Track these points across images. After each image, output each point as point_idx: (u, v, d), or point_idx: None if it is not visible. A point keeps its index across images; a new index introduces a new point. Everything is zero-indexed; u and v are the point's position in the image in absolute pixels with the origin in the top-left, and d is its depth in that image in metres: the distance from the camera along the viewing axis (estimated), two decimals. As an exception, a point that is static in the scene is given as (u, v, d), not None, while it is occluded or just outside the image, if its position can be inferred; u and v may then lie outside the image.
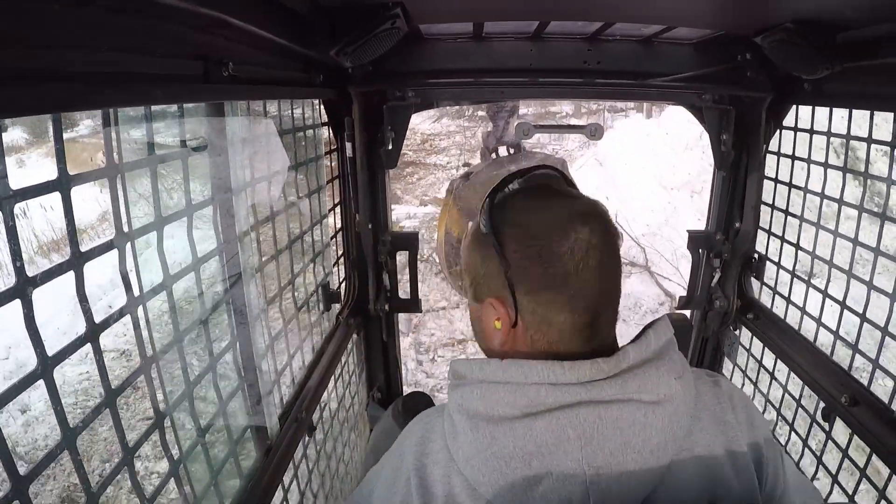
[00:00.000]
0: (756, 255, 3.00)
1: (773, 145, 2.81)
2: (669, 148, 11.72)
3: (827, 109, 2.40)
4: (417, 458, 1.23)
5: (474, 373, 1.20)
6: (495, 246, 1.22)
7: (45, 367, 1.01)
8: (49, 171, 1.00)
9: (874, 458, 2.11)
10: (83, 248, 1.09)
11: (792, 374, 2.65)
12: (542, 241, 1.18)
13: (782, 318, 2.79)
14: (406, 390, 3.25)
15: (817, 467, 2.50)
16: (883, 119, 2.11)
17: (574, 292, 1.17)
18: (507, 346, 1.25)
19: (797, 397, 2.65)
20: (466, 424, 1.17)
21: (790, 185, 2.76)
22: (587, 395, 1.11)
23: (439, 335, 8.45)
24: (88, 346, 1.17)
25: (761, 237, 2.98)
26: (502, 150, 4.70)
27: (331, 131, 2.87)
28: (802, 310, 2.66)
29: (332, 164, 2.94)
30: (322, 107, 2.77)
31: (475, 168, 5.01)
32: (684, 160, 11.98)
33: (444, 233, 5.10)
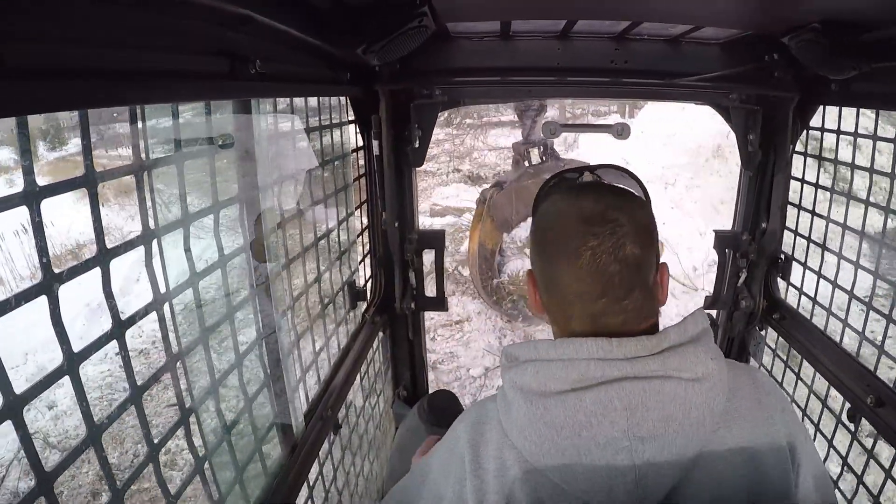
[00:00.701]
0: (782, 256, 2.98)
1: (799, 146, 2.79)
2: (644, 144, 11.93)
3: (854, 110, 2.37)
4: (472, 437, 1.33)
5: (528, 353, 1.29)
6: (532, 229, 1.40)
7: (72, 363, 1.01)
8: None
9: None
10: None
11: (817, 375, 2.62)
12: (550, 235, 1.32)
13: (808, 318, 2.77)
14: (432, 388, 3.26)
15: (842, 468, 2.48)
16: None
17: (579, 280, 1.26)
18: (541, 310, 1.40)
19: (823, 398, 2.63)
20: (520, 399, 1.26)
21: (817, 185, 2.73)
22: (632, 370, 1.20)
23: (437, 318, 8.69)
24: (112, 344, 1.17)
25: (787, 238, 2.96)
26: (534, 157, 4.69)
27: (358, 129, 2.87)
28: (828, 310, 2.64)
29: (359, 161, 2.94)
30: (349, 104, 2.77)
31: (506, 177, 5.00)
32: (658, 155, 12.30)
33: (478, 245, 5.08)
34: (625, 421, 1.19)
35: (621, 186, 1.50)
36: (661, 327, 1.31)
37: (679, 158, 12.40)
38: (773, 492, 1.26)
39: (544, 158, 5.60)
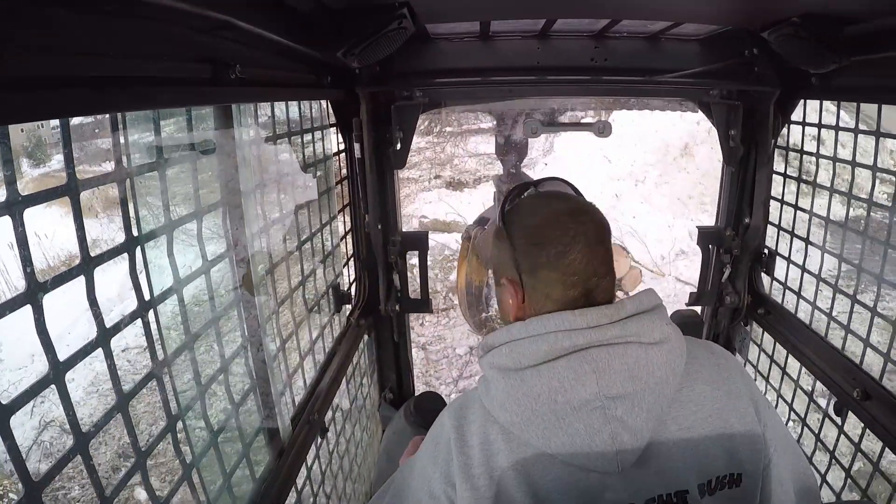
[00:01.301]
0: (766, 251, 2.99)
1: (781, 140, 2.80)
2: (617, 144, 12.23)
3: (835, 103, 2.39)
4: (456, 420, 1.43)
5: (502, 337, 1.41)
6: (507, 237, 1.49)
7: (58, 372, 1.01)
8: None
9: (887, 451, 2.11)
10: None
11: (804, 369, 2.64)
12: (540, 231, 1.44)
13: (793, 313, 2.78)
14: (418, 390, 3.25)
15: (830, 461, 2.50)
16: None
17: (563, 270, 1.40)
18: (520, 316, 1.47)
19: (809, 392, 2.65)
20: (498, 376, 1.37)
21: (799, 179, 2.75)
22: (595, 337, 1.32)
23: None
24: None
25: (771, 232, 2.97)
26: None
27: (339, 132, 2.87)
28: (813, 304, 2.66)
29: (341, 165, 2.94)
30: (330, 108, 2.77)
31: (488, 213, 5.02)
32: (629, 154, 12.79)
33: (466, 282, 5.10)
34: (595, 383, 1.29)
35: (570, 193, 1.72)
36: None
37: (648, 157, 12.99)
38: (742, 441, 1.38)
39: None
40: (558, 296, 1.41)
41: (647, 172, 13.07)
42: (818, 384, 2.52)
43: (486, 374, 1.42)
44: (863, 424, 2.22)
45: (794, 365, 2.74)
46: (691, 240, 12.29)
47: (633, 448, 1.30)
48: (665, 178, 13.07)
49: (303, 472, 2.21)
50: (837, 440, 2.45)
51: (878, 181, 2.24)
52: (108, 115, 1.22)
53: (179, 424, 1.48)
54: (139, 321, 1.31)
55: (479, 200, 12.31)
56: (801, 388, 2.73)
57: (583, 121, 3.08)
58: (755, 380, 2.99)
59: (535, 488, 1.32)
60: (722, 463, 1.36)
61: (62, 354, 1.02)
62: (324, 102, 2.71)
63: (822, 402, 2.53)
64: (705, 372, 1.42)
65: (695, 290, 3.22)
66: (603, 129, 3.06)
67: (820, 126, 2.54)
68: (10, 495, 6.41)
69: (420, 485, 1.48)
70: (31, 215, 0.95)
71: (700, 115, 2.96)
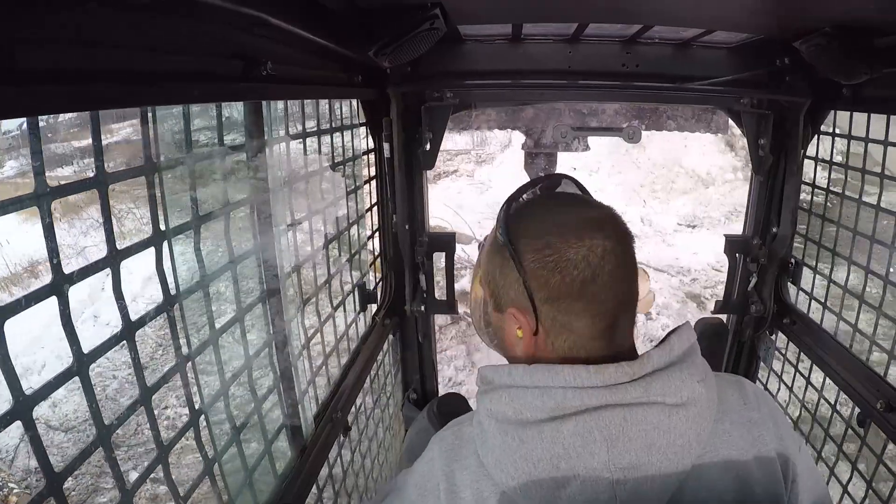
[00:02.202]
0: (793, 260, 2.97)
1: (810, 150, 2.78)
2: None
3: (865, 115, 2.37)
4: (447, 463, 1.26)
5: (502, 378, 1.22)
6: (512, 256, 1.25)
7: (81, 364, 1.01)
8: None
9: None
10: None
11: (827, 380, 2.62)
12: (558, 249, 1.20)
13: (818, 323, 2.76)
14: (441, 391, 3.25)
15: (852, 473, 2.49)
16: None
17: (591, 298, 1.19)
18: (530, 352, 1.28)
19: (833, 403, 2.63)
20: (495, 429, 1.20)
21: (828, 190, 2.73)
22: (612, 398, 1.14)
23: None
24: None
25: (798, 242, 2.95)
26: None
27: (368, 131, 2.87)
28: (839, 315, 2.63)
29: (370, 164, 2.94)
30: (360, 107, 2.78)
31: None
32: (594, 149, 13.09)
33: (481, 293, 5.11)
34: (605, 452, 1.13)
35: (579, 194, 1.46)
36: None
37: (601, 149, 13.48)
38: None
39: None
40: (582, 328, 1.21)
41: (601, 163, 13.96)
42: (842, 395, 2.50)
43: (481, 420, 1.25)
44: (885, 436, 2.20)
45: (818, 375, 2.71)
46: (643, 224, 12.80)
47: None
48: (618, 168, 14.03)
49: (325, 470, 2.21)
50: (860, 451, 2.43)
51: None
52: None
53: (202, 420, 1.49)
54: (164, 315, 1.32)
55: (440, 197, 12.85)
56: (825, 399, 2.71)
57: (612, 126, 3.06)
58: (777, 389, 2.97)
59: None
60: None
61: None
62: (354, 101, 2.71)
63: (846, 414, 2.50)
64: (735, 433, 1.23)
65: (720, 299, 3.20)
66: (633, 135, 3.05)
67: (850, 137, 2.52)
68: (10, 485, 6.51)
69: None
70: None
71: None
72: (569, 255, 1.18)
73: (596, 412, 1.14)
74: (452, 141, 15.30)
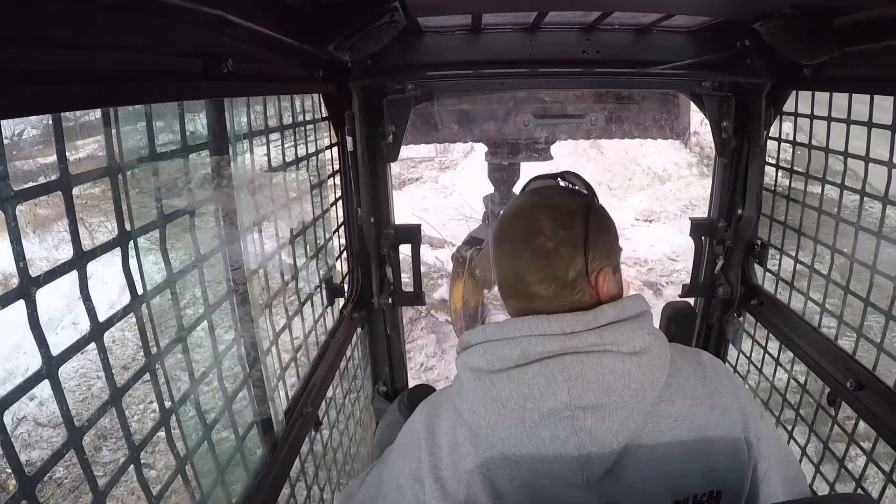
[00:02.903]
0: (759, 242, 3.00)
1: (773, 132, 2.81)
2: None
3: (827, 94, 2.39)
4: (427, 418, 1.44)
5: (478, 336, 1.38)
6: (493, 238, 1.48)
7: (50, 366, 1.01)
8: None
9: (880, 441, 2.11)
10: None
11: (797, 360, 2.65)
12: (505, 225, 1.45)
13: (786, 304, 2.80)
14: (411, 383, 3.26)
15: (823, 452, 2.51)
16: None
17: (526, 263, 1.37)
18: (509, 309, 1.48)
19: (802, 383, 2.66)
20: (470, 377, 1.36)
21: (791, 170, 2.76)
22: (570, 344, 1.29)
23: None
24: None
25: (763, 224, 2.98)
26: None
27: (331, 126, 2.87)
28: (806, 295, 2.67)
29: (333, 158, 2.94)
30: (322, 101, 2.77)
31: (478, 233, 5.06)
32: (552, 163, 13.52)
33: (462, 303, 5.13)
34: (566, 392, 1.26)
35: (566, 187, 1.59)
36: None
37: (561, 149, 13.43)
38: (724, 458, 1.33)
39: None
40: (526, 286, 1.39)
41: (560, 164, 13.78)
42: (811, 375, 2.53)
43: (459, 374, 1.41)
44: (856, 415, 2.23)
45: (787, 355, 2.74)
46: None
47: (600, 461, 1.27)
48: (576, 168, 14.10)
49: (296, 465, 2.21)
50: (831, 431, 2.46)
51: (870, 171, 2.24)
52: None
53: (173, 418, 1.48)
54: (132, 316, 1.32)
55: (406, 202, 13.16)
56: (795, 379, 2.74)
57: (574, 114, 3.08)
58: (747, 371, 3.00)
59: (499, 492, 1.32)
60: (700, 481, 1.31)
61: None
62: (316, 96, 2.71)
63: (816, 393, 2.54)
64: (689, 386, 1.36)
65: (687, 282, 3.23)
66: (596, 121, 3.08)
67: (812, 117, 2.55)
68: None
69: (389, 476, 1.49)
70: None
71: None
72: (510, 227, 1.44)
73: (557, 357, 1.29)
74: (416, 149, 15.54)
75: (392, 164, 3.03)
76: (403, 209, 8.93)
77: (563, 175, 1.61)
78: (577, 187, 1.58)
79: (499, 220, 1.48)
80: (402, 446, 1.49)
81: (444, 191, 15.24)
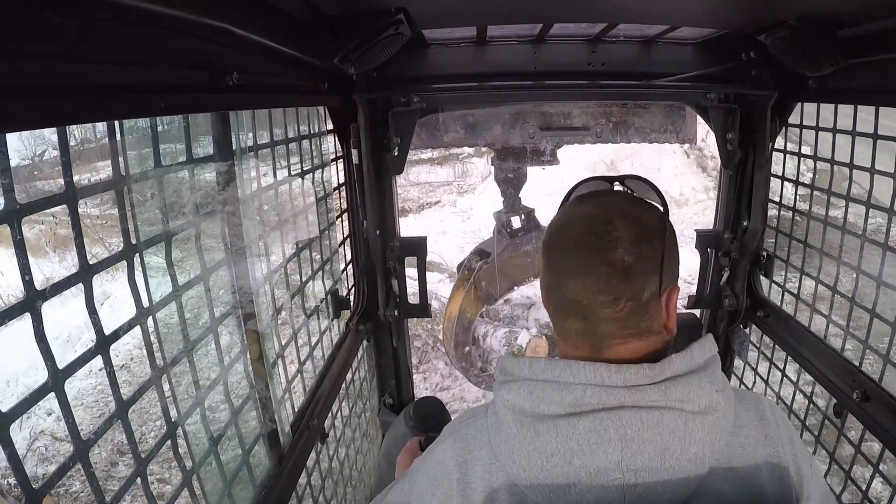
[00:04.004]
0: (765, 253, 2.99)
1: (779, 143, 2.81)
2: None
3: (832, 106, 2.39)
4: (460, 454, 1.27)
5: (522, 370, 1.23)
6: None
7: (57, 380, 1.01)
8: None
9: (887, 453, 2.10)
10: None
11: (803, 372, 2.64)
12: (568, 235, 1.24)
13: (792, 315, 2.79)
14: (417, 395, 3.25)
15: (830, 464, 2.50)
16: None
17: (596, 279, 1.18)
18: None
19: (809, 394, 2.65)
20: (511, 420, 1.20)
21: (797, 182, 2.76)
22: (630, 399, 1.13)
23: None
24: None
25: (769, 235, 2.97)
26: (515, 222, 4.72)
27: (336, 138, 2.87)
28: (812, 307, 2.66)
29: (339, 171, 2.94)
30: (327, 114, 2.77)
31: (486, 245, 5.04)
32: (559, 170, 13.31)
33: (458, 312, 5.10)
34: (619, 452, 1.14)
35: (635, 196, 1.38)
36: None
37: (576, 172, 13.33)
38: None
39: (524, 226, 5.69)
40: (569, 317, 1.24)
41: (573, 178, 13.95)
42: (817, 386, 2.52)
43: (498, 411, 1.25)
44: (863, 426, 2.22)
45: (793, 367, 2.74)
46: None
47: None
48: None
49: (303, 477, 2.21)
50: (837, 442, 2.45)
51: (875, 183, 2.24)
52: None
53: (180, 431, 1.48)
54: (138, 328, 1.32)
55: (425, 226, 13.04)
56: (801, 391, 2.73)
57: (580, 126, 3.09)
58: (753, 383, 2.99)
59: None
60: None
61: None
62: (321, 109, 2.71)
63: (822, 405, 2.53)
64: (750, 447, 1.21)
65: (693, 294, 3.22)
66: (600, 134, 3.08)
67: (817, 129, 2.54)
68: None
69: None
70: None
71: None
72: (555, 242, 1.27)
73: (613, 412, 1.14)
74: (434, 173, 15.59)
75: (410, 188, 3.05)
76: (421, 232, 8.93)
77: (624, 180, 1.45)
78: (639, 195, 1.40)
79: (554, 229, 1.29)
80: (431, 479, 1.31)
81: (462, 214, 15.24)
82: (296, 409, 2.29)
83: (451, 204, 15.90)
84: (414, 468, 1.41)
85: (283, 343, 2.21)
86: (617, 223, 1.19)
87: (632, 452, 1.13)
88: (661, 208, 1.30)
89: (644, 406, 1.14)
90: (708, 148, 14.99)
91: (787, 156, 2.83)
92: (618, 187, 1.44)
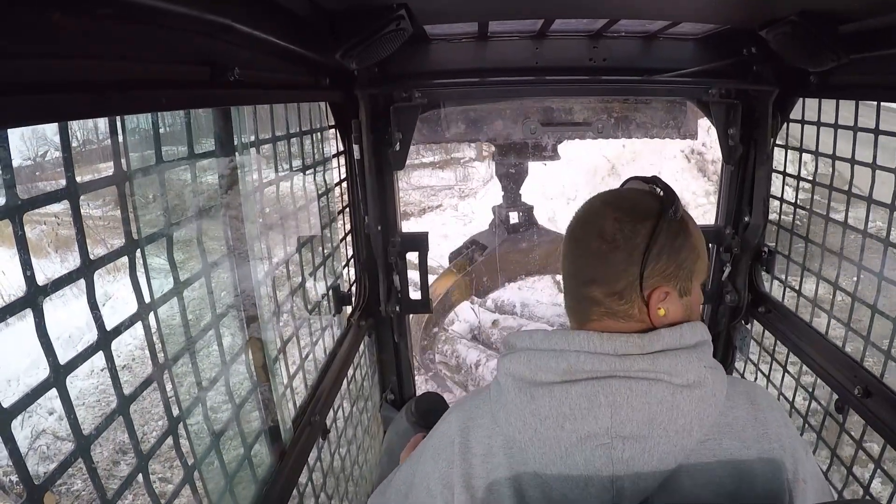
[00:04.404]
0: (766, 249, 2.99)
1: (780, 139, 2.81)
2: (550, 165, 13.24)
3: (834, 101, 2.39)
4: (463, 422, 1.36)
5: (523, 342, 1.31)
6: None
7: (58, 375, 1.01)
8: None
9: (888, 448, 2.10)
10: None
11: (804, 367, 2.64)
12: (574, 223, 1.37)
13: (793, 311, 2.78)
14: (419, 391, 3.25)
15: (831, 459, 2.50)
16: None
17: (582, 263, 1.31)
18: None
19: (810, 390, 2.65)
20: (511, 386, 1.29)
21: (798, 177, 2.75)
22: (620, 367, 1.21)
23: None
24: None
25: (770, 231, 2.97)
26: (513, 217, 4.76)
27: (338, 134, 2.87)
28: (813, 302, 2.66)
29: (340, 166, 2.94)
30: (329, 109, 2.77)
31: (478, 237, 5.06)
32: (562, 174, 13.95)
33: (446, 291, 5.11)
34: (608, 418, 1.20)
35: (651, 191, 1.42)
36: None
37: (579, 177, 14.34)
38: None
39: (521, 222, 5.72)
40: (567, 306, 1.36)
41: (578, 192, 14.30)
42: (819, 382, 2.52)
43: (500, 379, 1.33)
44: (864, 422, 2.22)
45: (794, 363, 2.73)
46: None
47: (633, 495, 1.20)
48: (591, 193, 14.70)
49: (304, 473, 2.21)
50: (839, 438, 2.45)
51: (877, 178, 2.23)
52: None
53: (181, 427, 1.48)
54: (140, 324, 1.32)
55: (426, 229, 12.85)
56: (802, 386, 2.73)
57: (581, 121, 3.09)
58: (755, 378, 2.99)
59: None
60: None
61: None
62: (322, 105, 2.71)
63: (824, 400, 2.53)
64: (739, 426, 1.25)
65: None
66: (602, 129, 3.07)
67: (819, 124, 2.54)
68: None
69: (421, 479, 1.42)
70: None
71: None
72: (573, 232, 1.37)
73: (604, 380, 1.21)
74: (436, 177, 15.61)
75: (412, 192, 3.05)
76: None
77: (656, 180, 1.47)
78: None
79: (573, 217, 1.39)
80: (434, 448, 1.40)
81: (463, 218, 15.34)
82: (297, 406, 2.29)
83: (452, 208, 16.05)
84: (419, 448, 1.49)
85: (285, 338, 2.21)
86: (605, 213, 1.31)
87: (620, 420, 1.20)
88: (660, 208, 1.32)
89: (633, 377, 1.21)
90: (708, 152, 15.08)
91: (789, 151, 2.82)
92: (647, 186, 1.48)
